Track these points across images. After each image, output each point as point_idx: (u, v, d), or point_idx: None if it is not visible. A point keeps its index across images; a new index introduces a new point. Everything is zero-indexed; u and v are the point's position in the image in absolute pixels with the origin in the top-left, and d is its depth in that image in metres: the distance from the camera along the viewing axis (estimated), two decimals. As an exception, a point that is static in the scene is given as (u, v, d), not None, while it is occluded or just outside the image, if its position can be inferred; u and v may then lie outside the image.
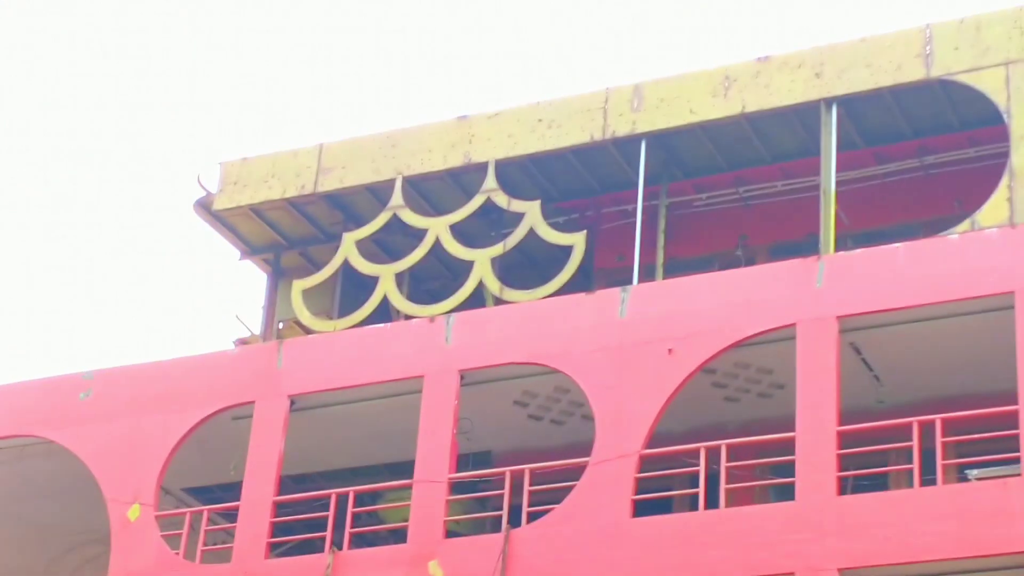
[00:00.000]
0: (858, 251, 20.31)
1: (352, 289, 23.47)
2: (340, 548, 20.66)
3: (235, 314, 26.08)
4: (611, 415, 20.05)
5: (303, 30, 65.54)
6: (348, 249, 23.00)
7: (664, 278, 22.18)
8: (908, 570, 18.26)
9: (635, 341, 20.35)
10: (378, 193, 23.36)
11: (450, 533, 20.50)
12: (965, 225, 19.62)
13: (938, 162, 22.37)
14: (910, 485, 18.81)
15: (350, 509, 20.97)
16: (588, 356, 20.52)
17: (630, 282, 21.40)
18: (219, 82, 67.90)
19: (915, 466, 18.56)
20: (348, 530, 20.86)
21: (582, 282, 22.23)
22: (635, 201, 22.18)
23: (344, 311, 23.31)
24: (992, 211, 19.55)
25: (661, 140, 22.37)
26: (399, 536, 20.94)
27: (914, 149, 22.35)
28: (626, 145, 22.40)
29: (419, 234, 22.97)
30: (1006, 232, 19.20)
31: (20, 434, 23.10)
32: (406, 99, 64.30)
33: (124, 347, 63.36)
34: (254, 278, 26.22)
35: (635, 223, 22.08)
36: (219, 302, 62.24)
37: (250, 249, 25.20)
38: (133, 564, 21.59)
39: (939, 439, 18.60)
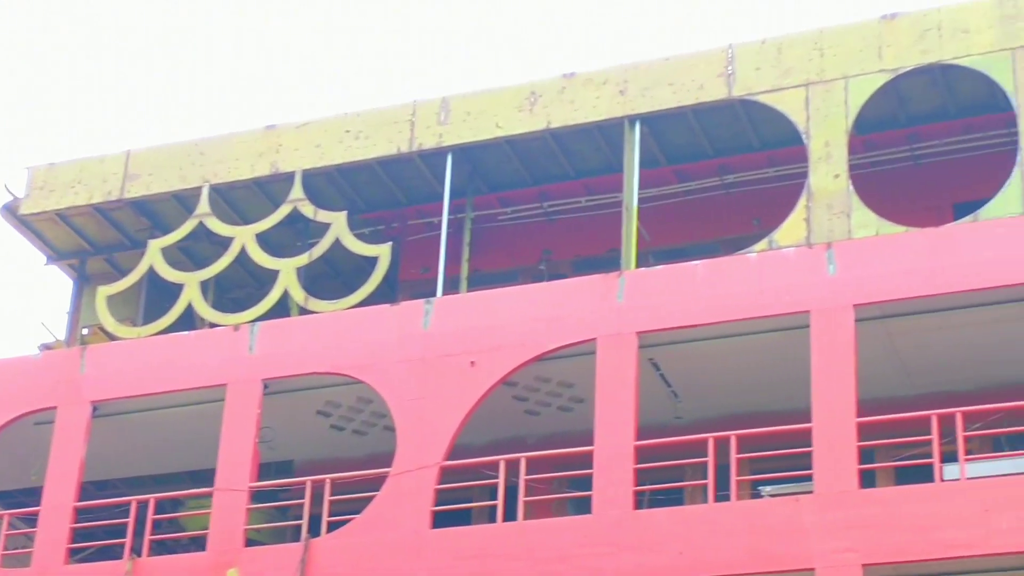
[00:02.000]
0: (658, 268, 19.36)
1: (157, 296, 22.18)
2: (139, 555, 19.34)
3: (40, 320, 25.42)
4: (412, 426, 18.96)
5: (111, 36, 62.62)
6: (153, 256, 21.51)
7: (468, 291, 21.22)
8: None
9: (438, 353, 19.28)
10: (184, 201, 21.90)
11: (250, 542, 19.36)
12: (763, 244, 18.65)
13: (738, 181, 21.50)
14: (705, 500, 17.95)
15: (150, 516, 19.64)
16: (391, 367, 19.44)
17: (434, 294, 20.37)
18: (27, 88, 64.36)
19: (710, 482, 17.66)
20: (148, 537, 19.58)
21: (387, 293, 21.18)
22: (441, 213, 21.17)
23: (149, 318, 21.98)
24: (790, 231, 18.52)
25: (467, 153, 21.26)
26: (199, 544, 19.87)
27: (715, 168, 21.41)
28: (432, 158, 21.31)
29: (225, 242, 21.64)
30: (803, 252, 18.18)
31: None
32: (213, 108, 62.01)
33: None
34: (60, 283, 24.15)
35: (440, 235, 21.04)
36: (24, 307, 60.41)
37: (56, 254, 23.63)
38: None
39: (734, 455, 17.74)
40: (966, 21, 18.62)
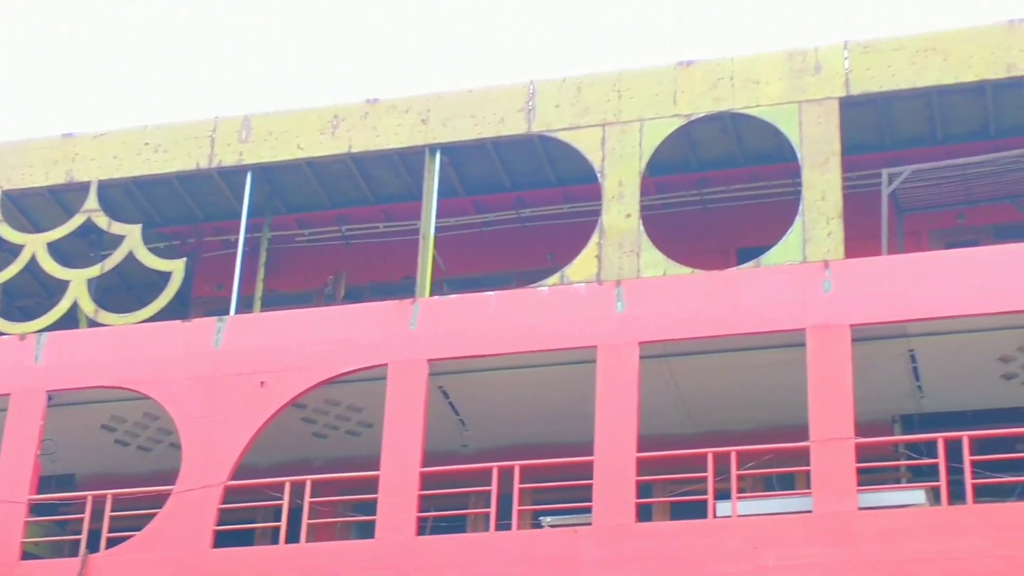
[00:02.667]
0: (452, 296, 19.52)
1: None
2: None
3: None
4: (199, 444, 18.75)
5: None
6: None
7: (262, 311, 21.10)
8: None
9: (228, 372, 19.12)
10: None
11: (27, 555, 18.94)
12: (555, 279, 18.77)
13: (534, 215, 21.77)
14: (487, 529, 18.03)
15: None
16: (179, 384, 19.19)
17: (227, 312, 20.14)
18: None
19: (492, 511, 17.73)
20: None
21: (179, 309, 21.06)
22: (238, 232, 20.87)
23: None
24: (581, 267, 18.68)
25: (267, 173, 21.12)
26: None
27: (512, 201, 21.67)
28: (232, 175, 21.11)
29: (16, 249, 21.17)
30: (593, 288, 18.38)
31: None
32: (11, 114, 60.50)
33: None
34: None
35: (236, 254, 20.75)
36: None
37: None
38: None
39: (516, 485, 17.78)
40: (757, 72, 19.10)
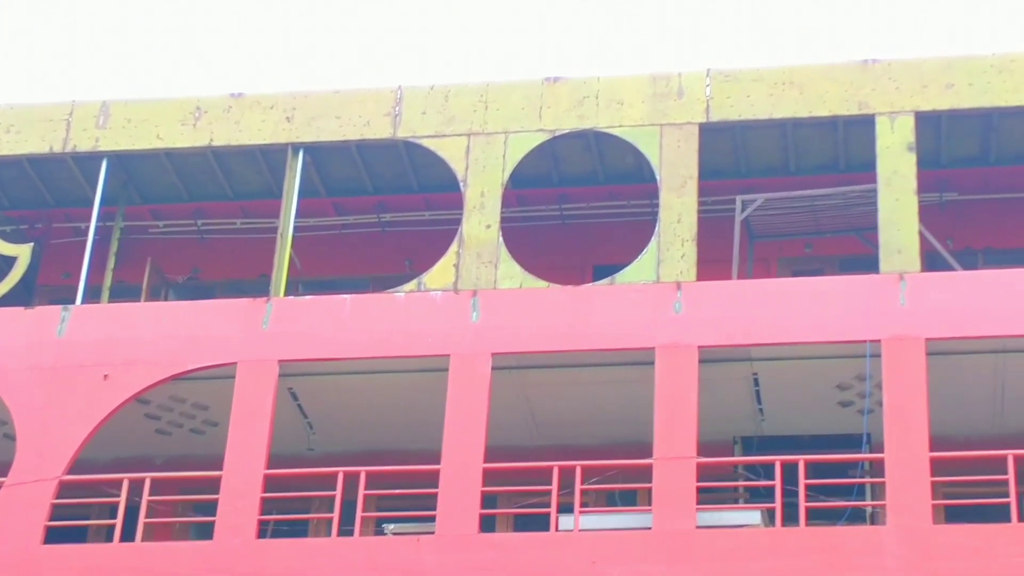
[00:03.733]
0: (307, 297, 19.78)
1: None
2: None
3: None
4: (35, 436, 18.62)
5: None
6: None
7: (110, 302, 21.01)
8: None
9: (71, 363, 19.05)
10: None
11: None
12: (412, 285, 19.16)
13: (394, 220, 22.13)
14: (330, 534, 18.16)
15: None
16: (18, 373, 19.06)
17: (73, 302, 20.00)
18: None
19: (336, 516, 17.90)
20: None
21: (23, 296, 20.66)
22: (89, 219, 20.72)
23: None
24: (439, 275, 19.12)
25: (123, 161, 21.09)
26: None
27: (373, 204, 21.96)
28: (86, 161, 21.05)
29: None
30: (449, 297, 18.84)
31: None
32: None
33: None
34: None
35: (86, 242, 20.64)
36: None
37: None
38: None
39: (361, 491, 17.96)
40: (621, 93, 19.73)
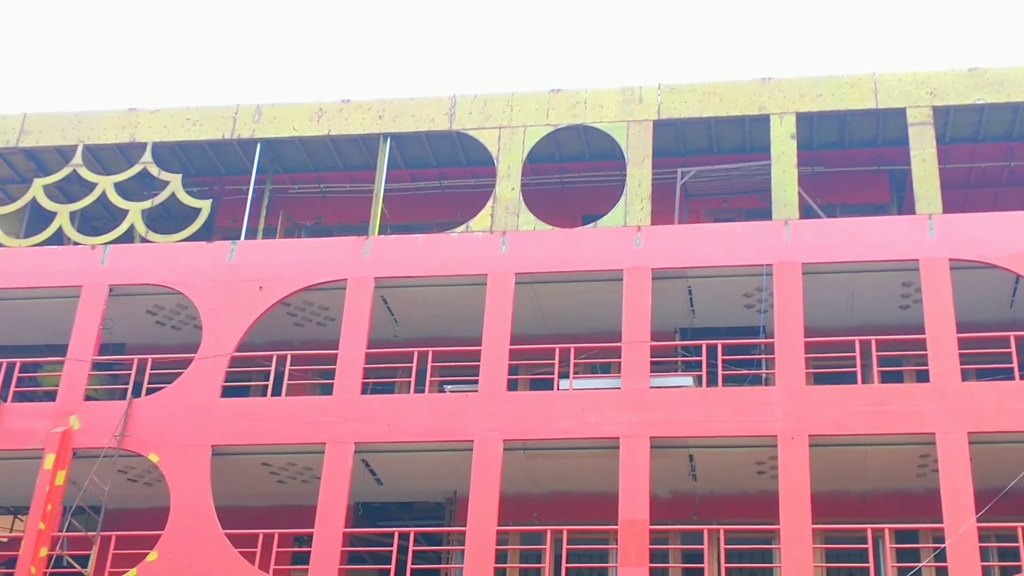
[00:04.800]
0: (393, 236, 21.51)
1: (38, 220, 23.21)
2: (5, 401, 20.63)
3: None
4: (215, 327, 20.58)
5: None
6: (37, 190, 22.84)
7: (263, 238, 22.76)
8: (410, 446, 19.45)
9: (237, 279, 20.89)
10: (64, 153, 23.20)
11: (89, 397, 20.56)
12: (462, 228, 21.12)
13: (451, 185, 23.56)
14: (409, 391, 20.20)
15: (16, 373, 20.89)
16: (204, 285, 20.96)
17: (239, 238, 21.96)
18: None
19: (412, 380, 19.97)
20: (13, 388, 20.94)
21: (205, 234, 22.57)
22: (248, 183, 22.61)
23: (29, 234, 23.12)
24: (480, 221, 21.05)
25: (272, 144, 22.85)
26: (52, 396, 21.04)
27: (436, 174, 23.55)
28: (247, 144, 22.80)
29: (91, 186, 22.91)
30: (487, 235, 20.90)
31: None
32: (84, 83, 63.06)
33: None
34: None
35: (246, 199, 22.48)
36: None
37: None
38: None
39: (430, 363, 20.25)
40: (601, 99, 21.78)
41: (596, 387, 19.88)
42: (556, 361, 19.90)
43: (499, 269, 20.55)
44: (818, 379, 19.62)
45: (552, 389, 19.92)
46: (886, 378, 19.90)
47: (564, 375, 20.05)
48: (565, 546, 18.75)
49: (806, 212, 21.22)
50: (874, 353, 19.33)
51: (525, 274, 20.60)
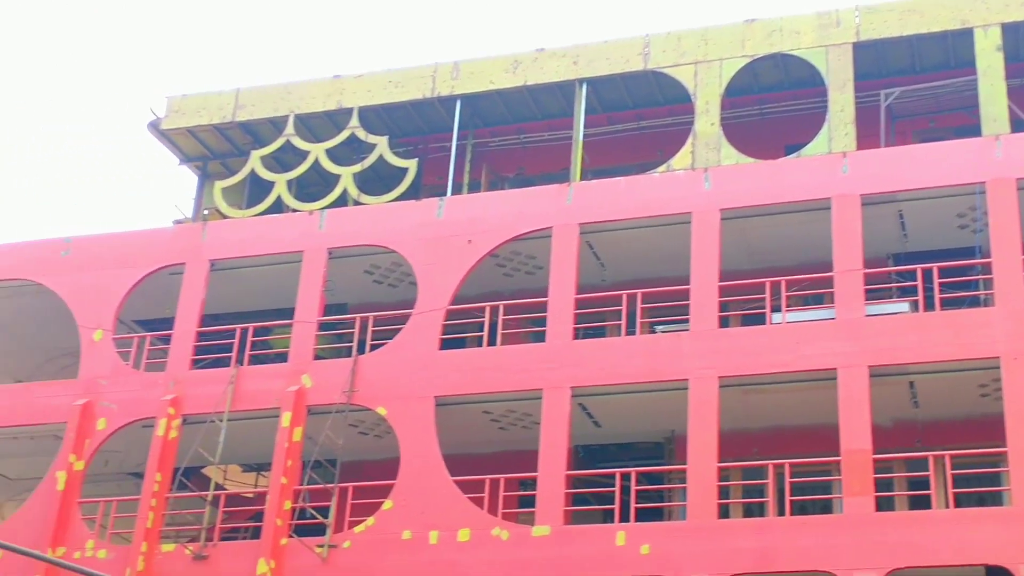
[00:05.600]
0: (594, 181, 21.53)
1: (257, 190, 23.86)
2: (242, 363, 21.37)
3: (174, 203, 27.54)
4: (429, 283, 20.98)
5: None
6: (255, 162, 23.66)
7: (468, 193, 23.20)
8: (625, 388, 19.63)
9: (447, 234, 21.27)
10: (277, 124, 23.90)
11: (317, 356, 21.24)
12: (664, 168, 21.04)
13: (649, 125, 23.50)
14: (619, 334, 20.34)
15: (250, 338, 21.67)
16: (415, 242, 21.38)
17: (445, 194, 22.33)
18: (167, 30, 67.71)
19: (623, 323, 20.08)
20: (248, 352, 21.63)
21: (413, 193, 22.92)
22: (451, 140, 23.04)
23: (250, 204, 23.85)
24: (681, 159, 21.05)
25: (470, 100, 23.20)
26: (283, 358, 21.79)
27: (634, 116, 23.54)
28: (447, 102, 23.24)
29: (304, 154, 23.59)
30: (689, 173, 20.73)
31: (18, 278, 23.48)
32: (293, 56, 64.64)
33: (95, 222, 64.01)
34: (188, 179, 26.53)
35: (450, 155, 22.93)
36: (161, 196, 63.16)
37: (186, 158, 25.40)
38: (95, 371, 21.90)
39: (639, 305, 20.28)
40: (797, 26, 21.48)
41: (810, 319, 19.58)
42: (767, 295, 19.70)
43: (704, 206, 20.41)
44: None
45: (764, 324, 19.69)
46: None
47: (776, 309, 19.78)
48: (788, 479, 18.53)
49: (1017, 126, 20.38)
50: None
51: (730, 209, 20.39)
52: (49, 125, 69.35)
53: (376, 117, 23.95)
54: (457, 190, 23.15)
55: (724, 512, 19.12)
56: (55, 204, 69.18)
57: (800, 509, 18.97)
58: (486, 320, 20.79)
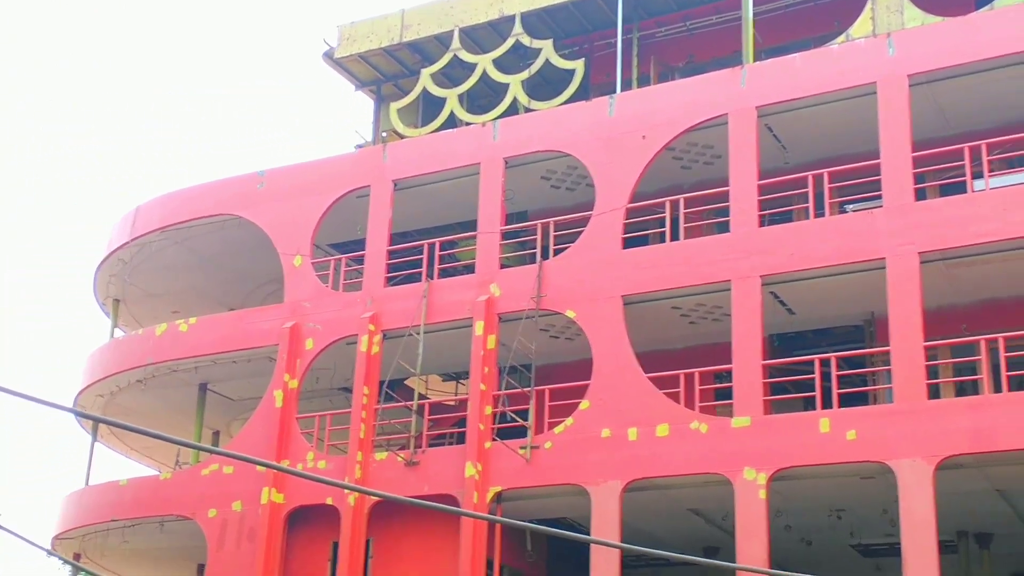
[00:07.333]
0: (768, 61, 18.49)
1: (430, 107, 21.98)
2: (432, 278, 19.63)
3: (354, 128, 25.63)
4: (606, 183, 18.69)
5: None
6: (425, 80, 21.67)
7: (638, 87, 20.60)
8: (818, 272, 16.86)
9: (620, 132, 18.82)
10: (443, 40, 21.88)
11: (504, 265, 19.43)
12: (842, 39, 17.84)
13: None
14: (807, 218, 17.47)
15: (438, 252, 19.79)
16: (589, 144, 19.04)
17: (615, 92, 19.84)
18: None
19: (810, 204, 17.29)
20: (437, 266, 19.78)
21: (583, 94, 20.73)
22: (616, 36, 20.50)
23: (425, 122, 21.90)
24: (861, 26, 17.87)
25: None
26: (470, 269, 20.08)
27: None
28: None
29: (472, 67, 21.52)
30: (871, 41, 17.43)
31: (221, 213, 22.06)
32: None
33: (283, 153, 63.12)
34: (365, 104, 24.50)
35: (616, 51, 20.44)
36: (339, 123, 61.36)
37: (360, 84, 23.66)
38: (299, 295, 20.58)
39: (827, 185, 17.28)
40: None
41: (1016, 183, 16.24)
42: (967, 162, 16.39)
43: (889, 73, 17.07)
44: None
45: (966, 192, 16.41)
46: None
47: (978, 175, 16.49)
48: (1003, 354, 15.40)
49: None
50: None
51: (919, 74, 16.95)
52: (235, 70, 68.14)
53: (539, 21, 21.51)
54: (627, 86, 20.41)
55: (934, 393, 16.04)
56: (248, 143, 68.63)
57: (1018, 385, 15.71)
58: (667, 215, 18.30)
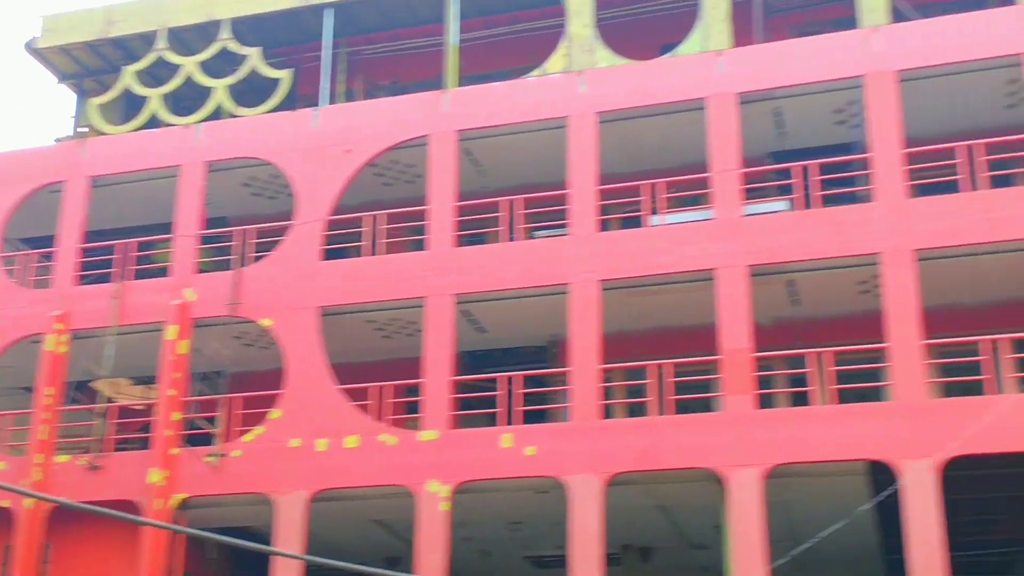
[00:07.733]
0: (470, 87, 18.28)
1: (133, 106, 20.58)
2: (126, 278, 18.31)
3: (55, 122, 23.94)
4: (307, 194, 18.10)
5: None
6: (128, 78, 20.29)
7: (344, 103, 20.04)
8: (508, 293, 16.89)
9: (323, 144, 18.29)
10: (148, 39, 20.46)
11: (201, 270, 18.67)
12: (538, 72, 17.86)
13: (524, 29, 19.97)
14: (499, 241, 17.47)
15: (133, 252, 18.65)
16: (292, 154, 18.39)
17: (319, 104, 19.12)
18: None
19: (502, 229, 17.30)
20: (132, 267, 18.56)
21: (289, 104, 19.91)
22: (325, 50, 19.48)
23: (126, 120, 20.51)
24: (556, 62, 17.86)
25: (343, 8, 19.77)
26: (167, 272, 18.65)
27: (508, 20, 20.09)
28: (319, 10, 19.75)
29: (176, 68, 20.19)
30: (564, 76, 17.41)
31: None
32: None
33: None
34: (69, 98, 22.68)
35: (323, 65, 19.40)
36: (40, 114, 57.77)
37: (63, 76, 21.75)
38: None
39: (519, 211, 17.37)
40: None
41: (689, 220, 16.69)
42: (647, 197, 16.78)
43: (580, 109, 17.23)
44: (922, 191, 16.12)
45: (644, 226, 16.75)
46: (996, 183, 15.91)
47: (655, 211, 16.81)
48: (669, 379, 15.89)
49: (897, 16, 17.07)
50: (979, 158, 15.58)
51: (607, 112, 17.18)
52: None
53: (248, 28, 20.35)
54: (332, 100, 19.71)
55: (608, 413, 16.38)
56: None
57: (683, 408, 16.05)
58: (367, 230, 17.93)
